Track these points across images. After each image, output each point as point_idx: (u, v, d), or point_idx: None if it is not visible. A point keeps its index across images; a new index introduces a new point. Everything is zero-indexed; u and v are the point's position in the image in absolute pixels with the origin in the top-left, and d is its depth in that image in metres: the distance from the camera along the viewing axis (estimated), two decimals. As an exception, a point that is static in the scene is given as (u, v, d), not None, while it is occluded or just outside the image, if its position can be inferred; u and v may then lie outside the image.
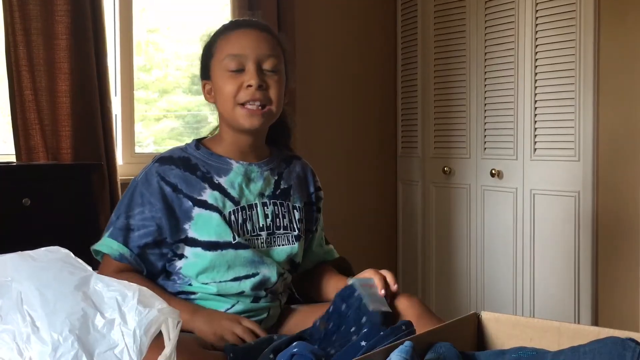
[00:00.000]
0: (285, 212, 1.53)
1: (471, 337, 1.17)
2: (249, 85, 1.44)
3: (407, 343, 0.97)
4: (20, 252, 0.92)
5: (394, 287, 1.43)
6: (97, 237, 1.50)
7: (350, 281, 1.44)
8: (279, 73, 1.48)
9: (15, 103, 2.48)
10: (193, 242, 1.43)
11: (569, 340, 1.06)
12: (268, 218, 1.49)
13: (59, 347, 0.79)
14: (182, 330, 0.90)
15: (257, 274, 1.45)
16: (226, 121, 1.49)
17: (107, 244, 1.45)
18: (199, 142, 1.53)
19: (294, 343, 1.14)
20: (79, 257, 1.00)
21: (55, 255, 0.91)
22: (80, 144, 2.56)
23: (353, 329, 1.30)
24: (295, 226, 1.54)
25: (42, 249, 0.93)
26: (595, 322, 2.79)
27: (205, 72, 1.52)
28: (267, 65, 1.46)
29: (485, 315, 1.18)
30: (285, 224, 1.52)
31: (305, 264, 1.64)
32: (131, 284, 0.87)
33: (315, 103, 3.37)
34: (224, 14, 3.13)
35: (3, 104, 2.69)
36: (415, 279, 3.57)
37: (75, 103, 2.55)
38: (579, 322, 2.79)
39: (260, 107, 1.45)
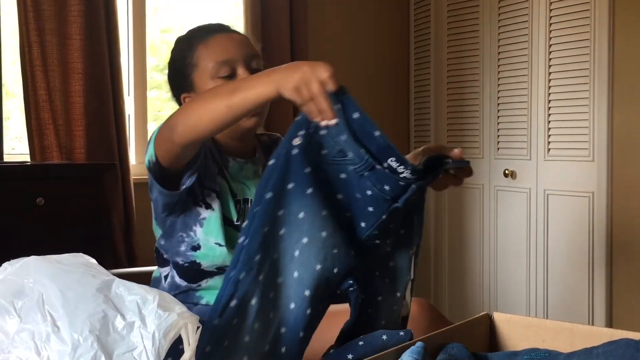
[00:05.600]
0: None
1: (483, 338, 1.17)
2: None
3: (418, 344, 0.97)
4: (44, 256, 0.92)
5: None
6: (110, 237, 1.50)
7: None
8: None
9: (29, 103, 2.50)
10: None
11: (581, 342, 1.06)
12: None
13: (79, 347, 0.79)
14: None
15: None
16: None
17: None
18: None
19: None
20: (91, 256, 1.01)
21: (78, 260, 0.92)
22: (94, 144, 2.58)
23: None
24: None
25: (66, 254, 0.94)
26: (610, 323, 2.77)
27: (185, 85, 1.46)
28: (254, 65, 1.43)
29: (498, 316, 1.18)
30: None
31: None
32: (152, 288, 0.86)
33: (328, 103, 3.36)
34: (236, 14, 3.13)
35: (17, 104, 2.71)
36: (427, 280, 3.56)
37: (89, 103, 2.56)
38: (592, 324, 2.77)
39: None
